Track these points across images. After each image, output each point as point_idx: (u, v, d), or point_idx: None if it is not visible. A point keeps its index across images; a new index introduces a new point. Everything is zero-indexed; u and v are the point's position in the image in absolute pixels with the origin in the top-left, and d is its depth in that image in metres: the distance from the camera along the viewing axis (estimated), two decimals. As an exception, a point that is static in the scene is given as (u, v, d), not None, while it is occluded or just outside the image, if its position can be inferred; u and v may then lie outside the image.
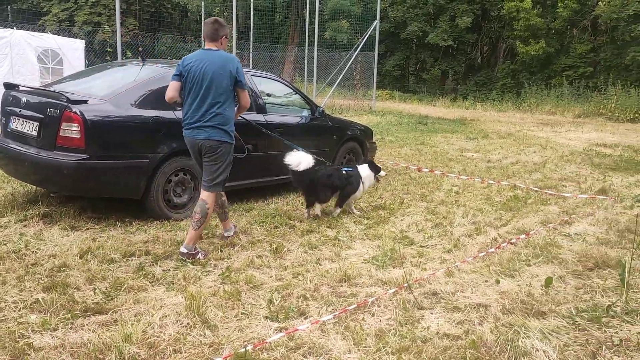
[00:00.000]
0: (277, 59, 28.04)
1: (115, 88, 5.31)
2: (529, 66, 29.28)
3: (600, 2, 25.52)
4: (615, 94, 21.45)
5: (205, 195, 4.35)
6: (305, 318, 3.35)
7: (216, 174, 4.34)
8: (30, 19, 21.31)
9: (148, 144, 5.11)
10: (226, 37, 4.46)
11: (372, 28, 18.15)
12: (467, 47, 33.40)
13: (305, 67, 19.67)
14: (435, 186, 7.68)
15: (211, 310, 3.35)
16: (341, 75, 18.29)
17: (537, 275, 4.23)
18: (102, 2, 26.07)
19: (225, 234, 4.87)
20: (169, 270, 4.03)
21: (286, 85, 6.99)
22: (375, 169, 6.16)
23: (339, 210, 5.91)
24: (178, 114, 5.33)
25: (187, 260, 4.22)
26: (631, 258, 4.38)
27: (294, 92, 6.97)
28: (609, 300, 3.75)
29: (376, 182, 6.32)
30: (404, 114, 19.69)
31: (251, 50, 22.54)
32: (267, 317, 3.32)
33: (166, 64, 6.03)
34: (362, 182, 5.94)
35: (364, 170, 6.03)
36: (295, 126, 6.62)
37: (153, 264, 4.11)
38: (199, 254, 4.32)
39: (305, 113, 6.88)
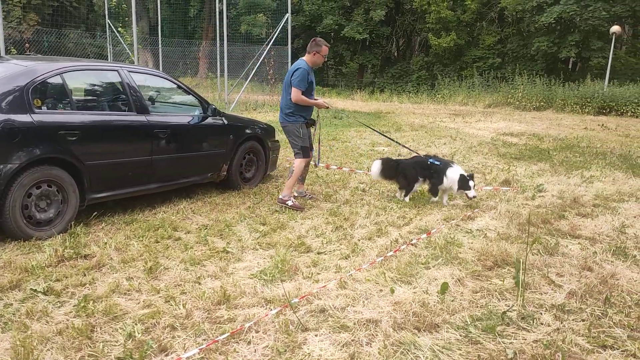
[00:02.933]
0: (192, 54, 26.92)
1: (-41, 89, 4.54)
2: (442, 58, 29.94)
3: (505, -6, 26.45)
4: (522, 84, 22.31)
5: (296, 161, 6.16)
6: (166, 355, 2.86)
7: (292, 145, 6.19)
8: None
9: None
10: (316, 53, 5.91)
11: (283, 21, 17.68)
12: (382, 40, 33.71)
13: (218, 62, 18.86)
14: (341, 184, 7.37)
15: (50, 355, 2.78)
16: (254, 70, 17.69)
17: (435, 279, 3.97)
18: (-6, -5, 23.97)
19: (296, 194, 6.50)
20: (12, 304, 3.38)
21: (174, 82, 6.32)
22: (465, 182, 6.03)
23: (433, 198, 6.41)
24: (36, 117, 4.66)
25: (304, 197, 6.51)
26: (527, 255, 4.22)
27: (183, 90, 6.33)
28: (506, 304, 3.53)
29: (464, 195, 6.17)
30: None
31: (160, 45, 21.40)
32: (118, 359, 2.79)
33: (29, 59, 5.28)
34: (446, 177, 6.08)
35: (454, 170, 6.10)
36: (184, 127, 6.01)
37: (-8, 298, 3.46)
38: (290, 201, 6.01)
39: (196, 112, 6.29)
